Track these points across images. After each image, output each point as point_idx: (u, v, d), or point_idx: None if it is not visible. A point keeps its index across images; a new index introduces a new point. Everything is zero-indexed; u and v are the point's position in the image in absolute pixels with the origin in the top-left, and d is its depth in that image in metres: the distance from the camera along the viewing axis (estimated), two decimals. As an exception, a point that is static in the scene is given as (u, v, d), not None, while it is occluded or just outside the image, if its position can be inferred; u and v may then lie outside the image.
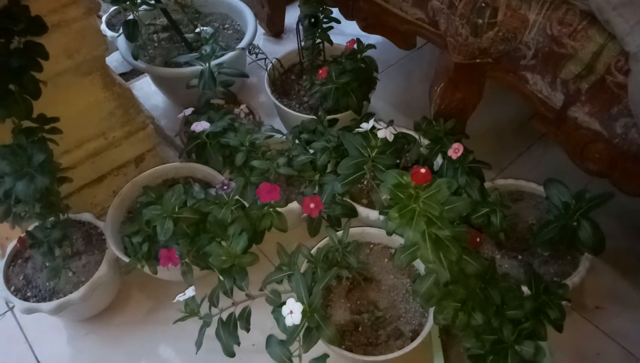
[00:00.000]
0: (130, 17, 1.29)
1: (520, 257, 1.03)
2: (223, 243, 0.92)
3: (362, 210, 1.07)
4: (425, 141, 1.14)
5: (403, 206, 0.65)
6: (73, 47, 0.96)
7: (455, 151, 0.95)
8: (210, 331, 0.89)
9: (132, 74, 1.64)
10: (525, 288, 0.86)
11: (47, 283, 1.01)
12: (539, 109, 1.01)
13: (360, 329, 0.94)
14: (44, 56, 0.84)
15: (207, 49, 1.15)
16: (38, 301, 1.00)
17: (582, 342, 1.03)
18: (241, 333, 0.89)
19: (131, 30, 1.22)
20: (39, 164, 0.85)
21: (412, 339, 0.90)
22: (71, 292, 0.99)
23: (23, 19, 0.80)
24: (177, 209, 0.93)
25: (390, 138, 0.94)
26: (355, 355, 0.89)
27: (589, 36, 0.85)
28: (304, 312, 0.78)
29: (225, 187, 0.95)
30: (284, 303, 0.80)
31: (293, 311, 0.78)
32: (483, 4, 0.92)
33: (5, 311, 1.14)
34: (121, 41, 1.35)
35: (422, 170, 0.62)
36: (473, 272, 0.73)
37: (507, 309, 0.78)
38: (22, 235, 0.99)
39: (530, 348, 0.75)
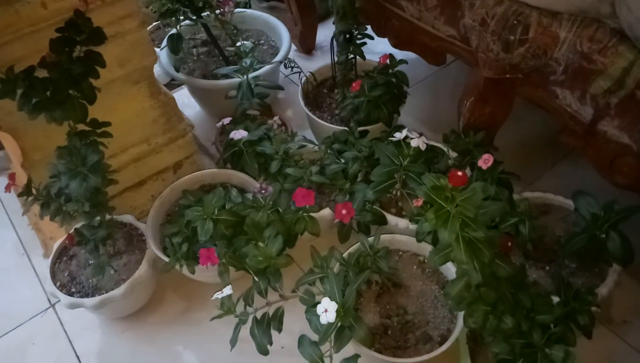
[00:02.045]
0: (173, 31, 1.37)
1: (547, 268, 1.04)
2: (259, 244, 0.96)
3: (391, 218, 1.10)
4: (453, 154, 1.18)
5: (439, 208, 0.68)
6: (125, 57, 1.02)
7: (485, 161, 0.98)
8: (242, 333, 0.91)
9: (168, 86, 1.72)
10: (554, 298, 0.88)
11: (90, 280, 1.06)
12: (567, 124, 1.04)
13: (389, 332, 0.96)
14: (101, 64, 0.90)
15: (247, 61, 1.21)
16: (81, 296, 1.05)
17: (610, 354, 1.04)
18: (272, 334, 0.92)
19: (175, 44, 1.30)
20: (92, 165, 0.90)
21: (441, 344, 0.92)
22: (113, 289, 1.04)
23: (85, 30, 0.87)
24: (216, 212, 0.98)
25: (423, 147, 0.98)
26: (386, 357, 0.91)
27: (619, 53, 0.88)
28: (337, 311, 0.82)
29: (263, 191, 1.00)
30: (318, 303, 0.83)
31: (327, 309, 0.81)
32: (515, 22, 0.96)
33: (47, 308, 1.20)
34: (162, 54, 1.43)
35: (459, 173, 0.66)
36: (504, 275, 0.76)
37: (537, 314, 0.80)
38: (71, 233, 1.05)
39: (560, 352, 0.76)
